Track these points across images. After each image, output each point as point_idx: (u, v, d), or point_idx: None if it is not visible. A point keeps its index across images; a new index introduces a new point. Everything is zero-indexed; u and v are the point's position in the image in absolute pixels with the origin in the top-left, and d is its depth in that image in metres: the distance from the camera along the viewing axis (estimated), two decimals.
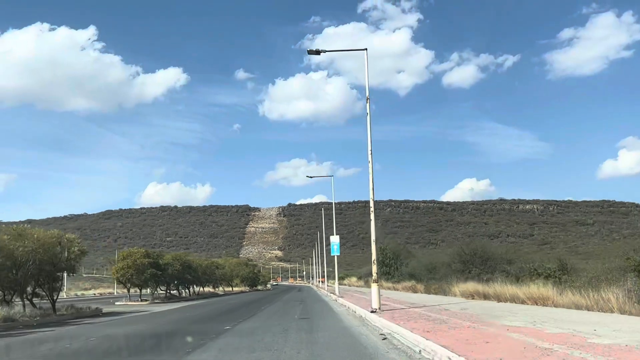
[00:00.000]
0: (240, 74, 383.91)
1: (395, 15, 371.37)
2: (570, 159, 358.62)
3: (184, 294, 47.03)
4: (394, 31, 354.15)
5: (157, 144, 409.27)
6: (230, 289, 69.73)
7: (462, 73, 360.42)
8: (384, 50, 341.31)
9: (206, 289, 58.44)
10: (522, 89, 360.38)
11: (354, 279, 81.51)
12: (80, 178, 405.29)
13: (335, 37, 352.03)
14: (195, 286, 51.24)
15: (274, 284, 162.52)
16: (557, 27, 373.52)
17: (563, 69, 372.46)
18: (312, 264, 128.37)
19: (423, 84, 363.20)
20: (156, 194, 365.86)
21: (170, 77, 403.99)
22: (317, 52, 21.86)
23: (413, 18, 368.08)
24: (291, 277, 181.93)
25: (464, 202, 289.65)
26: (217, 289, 63.60)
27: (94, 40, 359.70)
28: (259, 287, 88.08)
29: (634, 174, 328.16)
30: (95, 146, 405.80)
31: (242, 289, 75.32)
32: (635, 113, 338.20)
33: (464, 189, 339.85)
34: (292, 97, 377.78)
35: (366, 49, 21.36)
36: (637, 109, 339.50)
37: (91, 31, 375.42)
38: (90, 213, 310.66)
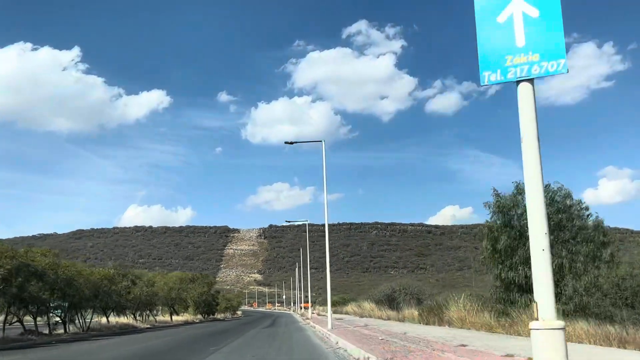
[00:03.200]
0: (223, 97, 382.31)
1: (380, 41, 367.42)
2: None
3: (75, 325, 28.67)
4: (378, 57, 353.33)
5: (140, 166, 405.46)
6: (169, 318, 49.29)
7: (445, 100, 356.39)
8: (368, 76, 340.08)
9: (121, 320, 37.18)
10: (505, 117, 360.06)
11: (367, 306, 47.01)
12: (58, 199, 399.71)
13: (319, 61, 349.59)
14: (87, 313, 30.89)
15: (249, 309, 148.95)
16: None
17: (545, 97, 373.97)
18: (292, 289, 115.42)
19: (406, 110, 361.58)
20: (136, 217, 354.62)
21: (153, 99, 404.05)
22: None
23: (397, 44, 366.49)
24: (269, 302, 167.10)
25: (452, 226, 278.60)
26: (141, 319, 41.24)
27: (78, 62, 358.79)
28: (220, 316, 70.18)
29: (615, 203, 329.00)
30: (76, 167, 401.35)
31: (191, 317, 55.71)
32: (615, 143, 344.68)
33: (446, 216, 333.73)
34: (275, 121, 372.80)
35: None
36: (616, 138, 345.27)
37: (75, 52, 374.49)
38: (60, 233, 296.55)
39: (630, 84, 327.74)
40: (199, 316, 58.85)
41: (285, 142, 31.75)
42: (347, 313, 52.97)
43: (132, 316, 40.40)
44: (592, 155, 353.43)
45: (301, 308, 78.22)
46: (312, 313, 60.17)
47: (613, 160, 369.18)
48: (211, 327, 31.16)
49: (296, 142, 32.31)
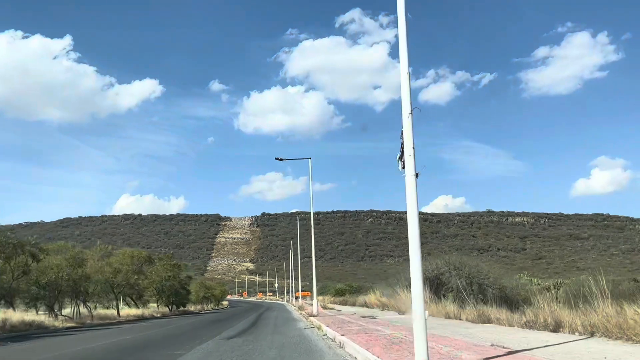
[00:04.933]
0: (215, 86, 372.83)
1: (374, 30, 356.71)
2: (544, 178, 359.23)
3: None
4: (371, 46, 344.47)
5: (132, 156, 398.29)
6: (116, 312, 36.96)
7: (439, 90, 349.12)
8: (362, 65, 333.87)
9: (20, 316, 24.47)
10: (498, 107, 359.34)
11: (373, 296, 38.70)
12: (49, 189, 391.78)
13: (312, 50, 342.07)
14: None
15: (239, 299, 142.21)
16: (533, 45, 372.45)
17: (538, 87, 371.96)
18: (286, 278, 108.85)
19: (399, 100, 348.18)
20: (128, 207, 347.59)
21: (146, 88, 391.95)
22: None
23: (391, 33, 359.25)
24: (260, 291, 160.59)
25: (449, 214, 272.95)
26: (61, 315, 29.74)
27: (69, 50, 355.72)
28: (196, 309, 60.11)
29: (607, 193, 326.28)
30: (68, 158, 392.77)
31: (150, 311, 42.31)
32: (607, 133, 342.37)
33: (439, 206, 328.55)
34: (268, 111, 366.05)
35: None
36: (609, 128, 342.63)
37: (67, 41, 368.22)
38: (47, 221, 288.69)
39: (623, 74, 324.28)
40: (166, 309, 48.04)
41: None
42: (366, 305, 38.65)
43: (48, 309, 29.55)
44: (585, 145, 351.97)
45: (296, 298, 70.19)
46: (312, 305, 46.74)
47: (606, 150, 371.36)
48: (126, 334, 19.84)
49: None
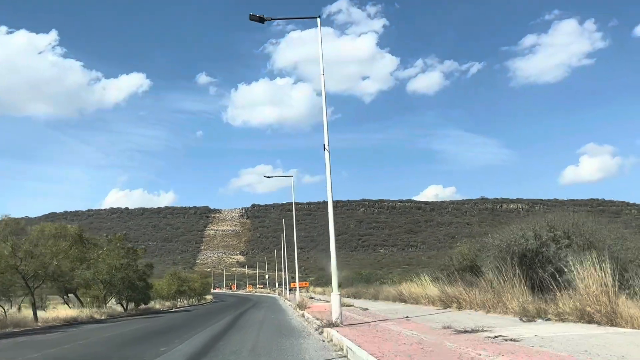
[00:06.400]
0: (203, 78, 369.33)
1: (361, 20, 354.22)
2: (533, 166, 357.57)
3: None
4: (359, 36, 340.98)
5: (121, 151, 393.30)
6: (34, 315, 27.70)
7: (427, 80, 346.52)
8: (350, 56, 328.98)
9: None
10: (487, 96, 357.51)
11: (417, 287, 26.45)
12: (37, 185, 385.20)
13: (299, 41, 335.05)
14: None
15: (227, 292, 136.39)
16: (521, 33, 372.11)
17: (526, 76, 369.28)
18: (277, 270, 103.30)
19: (388, 90, 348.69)
20: (117, 201, 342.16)
21: (133, 82, 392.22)
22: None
23: (379, 23, 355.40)
24: (249, 283, 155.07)
25: (442, 202, 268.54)
26: None
27: (55, 45, 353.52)
28: (165, 306, 50.45)
29: (596, 180, 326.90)
30: (56, 153, 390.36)
31: (89, 312, 32.58)
32: (596, 120, 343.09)
33: (430, 196, 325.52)
34: (257, 103, 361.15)
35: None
36: (597, 116, 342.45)
37: (52, 36, 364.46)
38: (33, 216, 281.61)
39: (610, 61, 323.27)
40: (118, 308, 38.22)
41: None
42: (403, 300, 27.41)
43: None
44: (573, 132, 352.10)
45: (291, 290, 61.40)
46: (321, 301, 35.63)
47: (594, 137, 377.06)
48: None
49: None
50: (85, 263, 34.77)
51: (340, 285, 71.76)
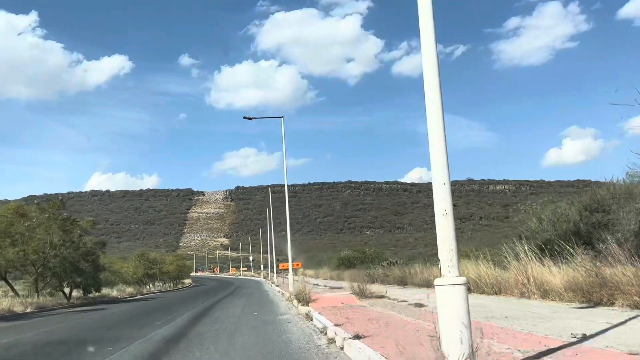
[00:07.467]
0: (185, 60, 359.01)
1: (346, 2, 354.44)
2: (517, 148, 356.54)
3: None
4: (344, 17, 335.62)
5: (104, 134, 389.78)
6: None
7: (412, 62, 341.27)
8: (334, 38, 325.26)
9: None
10: (471, 79, 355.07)
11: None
12: (18, 169, 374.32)
13: (283, 23, 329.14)
14: None
15: (209, 275, 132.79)
16: (505, 15, 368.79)
17: (510, 58, 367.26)
18: (263, 252, 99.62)
19: (372, 73, 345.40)
20: (99, 185, 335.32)
21: (115, 64, 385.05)
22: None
23: (363, 5, 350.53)
24: (233, 266, 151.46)
25: (429, 184, 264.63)
26: None
27: (35, 27, 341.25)
28: (126, 293, 42.89)
29: (578, 162, 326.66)
30: (37, 136, 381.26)
31: (35, 302, 26.07)
32: (579, 103, 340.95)
33: (414, 178, 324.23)
34: (240, 86, 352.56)
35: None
36: (580, 98, 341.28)
37: (32, 17, 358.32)
38: (11, 199, 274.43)
39: (594, 44, 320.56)
40: (59, 297, 31.29)
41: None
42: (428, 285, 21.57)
43: None
44: (556, 115, 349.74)
45: (278, 273, 55.10)
46: (308, 285, 28.40)
47: (577, 120, 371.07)
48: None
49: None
50: (9, 239, 28.01)
51: (338, 267, 62.84)
